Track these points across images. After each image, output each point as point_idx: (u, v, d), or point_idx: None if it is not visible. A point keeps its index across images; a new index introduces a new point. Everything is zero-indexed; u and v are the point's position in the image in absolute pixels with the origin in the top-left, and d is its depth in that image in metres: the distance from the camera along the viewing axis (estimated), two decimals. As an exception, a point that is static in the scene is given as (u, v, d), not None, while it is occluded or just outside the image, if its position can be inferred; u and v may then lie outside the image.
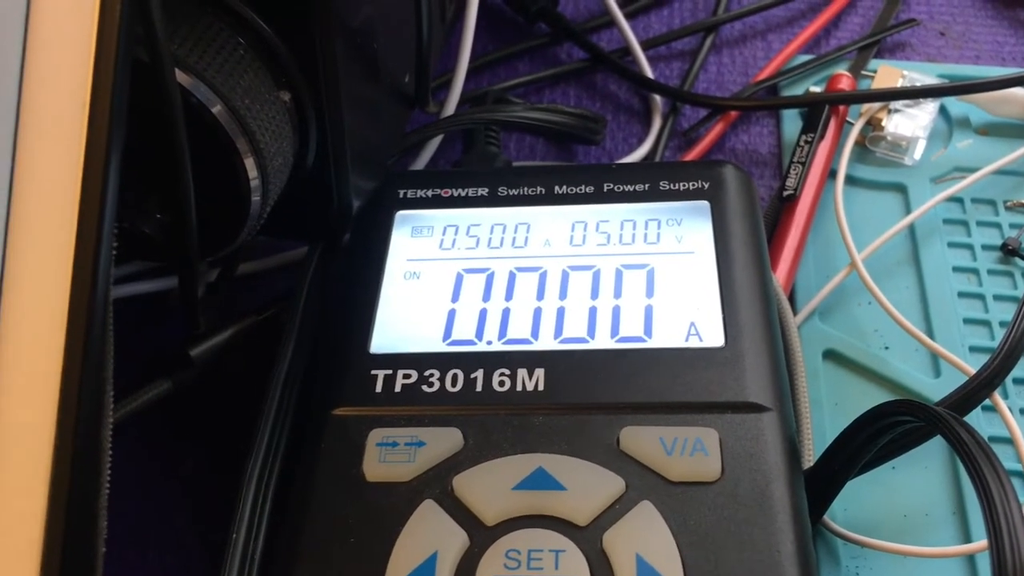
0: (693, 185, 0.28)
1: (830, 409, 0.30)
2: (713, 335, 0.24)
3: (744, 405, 0.23)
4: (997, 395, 0.27)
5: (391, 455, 0.22)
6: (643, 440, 0.22)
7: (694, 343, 0.24)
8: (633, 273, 0.26)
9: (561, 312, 0.25)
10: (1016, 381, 0.30)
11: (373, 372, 0.24)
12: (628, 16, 0.42)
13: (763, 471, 0.22)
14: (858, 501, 0.28)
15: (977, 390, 0.26)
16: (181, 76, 0.21)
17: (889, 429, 0.24)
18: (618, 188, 0.28)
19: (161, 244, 0.23)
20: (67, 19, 0.17)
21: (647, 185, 0.28)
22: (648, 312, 0.25)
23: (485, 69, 0.40)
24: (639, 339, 0.24)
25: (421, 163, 0.34)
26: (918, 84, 0.37)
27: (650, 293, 0.26)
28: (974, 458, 0.20)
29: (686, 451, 0.22)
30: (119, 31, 0.17)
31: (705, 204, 0.27)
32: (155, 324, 0.32)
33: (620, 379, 0.24)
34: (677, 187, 0.28)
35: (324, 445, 0.23)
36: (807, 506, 0.22)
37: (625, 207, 0.28)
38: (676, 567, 0.20)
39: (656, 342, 0.24)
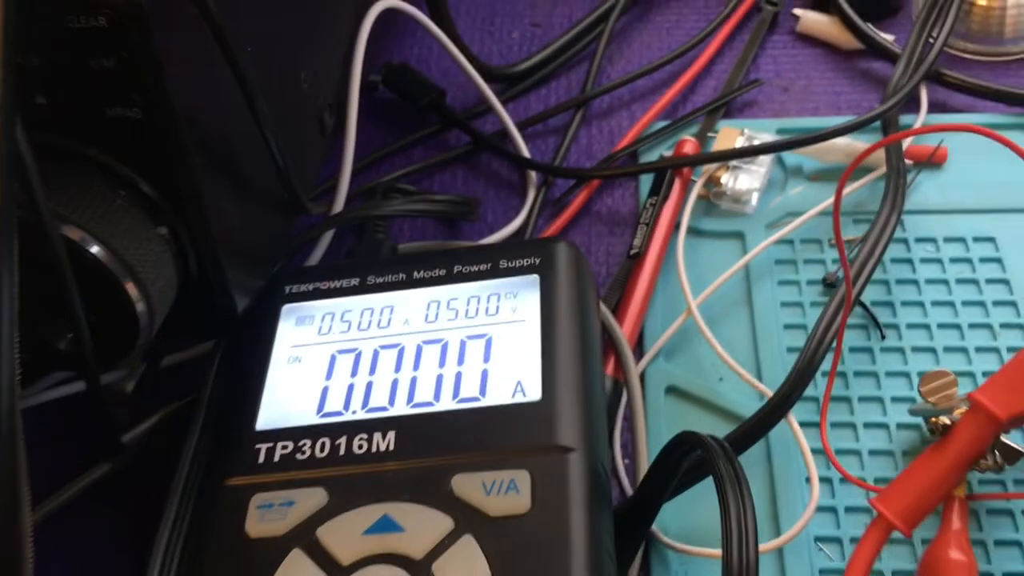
0: (527, 261, 0.33)
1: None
2: (533, 390, 0.29)
3: (553, 448, 0.28)
4: (792, 416, 0.32)
5: (268, 515, 0.28)
6: (469, 484, 0.27)
7: (519, 398, 0.29)
8: (475, 342, 0.31)
9: (414, 381, 0.31)
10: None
11: (257, 446, 0.29)
12: (509, 100, 0.47)
13: (566, 502, 0.27)
14: (688, 514, 0.33)
15: (767, 415, 0.31)
16: (67, 229, 0.26)
17: (684, 457, 0.29)
18: (465, 269, 0.33)
19: (75, 357, 0.29)
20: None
21: (489, 264, 0.33)
22: (484, 375, 0.30)
23: (384, 159, 0.45)
24: (475, 399, 0.30)
25: (316, 256, 0.39)
26: (756, 141, 0.42)
27: (487, 359, 0.31)
28: (721, 479, 0.25)
29: (502, 490, 0.27)
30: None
31: (535, 277, 0.32)
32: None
33: (456, 434, 0.29)
34: (513, 264, 0.33)
35: (217, 509, 0.28)
36: (610, 524, 0.27)
37: (471, 285, 0.33)
38: (487, 587, 0.25)
39: (489, 400, 0.29)
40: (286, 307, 0.33)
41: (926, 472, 0.26)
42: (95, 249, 0.27)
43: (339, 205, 0.39)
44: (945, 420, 0.27)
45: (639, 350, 0.37)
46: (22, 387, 0.27)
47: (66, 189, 0.27)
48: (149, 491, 0.34)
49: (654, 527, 0.32)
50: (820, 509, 0.32)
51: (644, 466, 0.33)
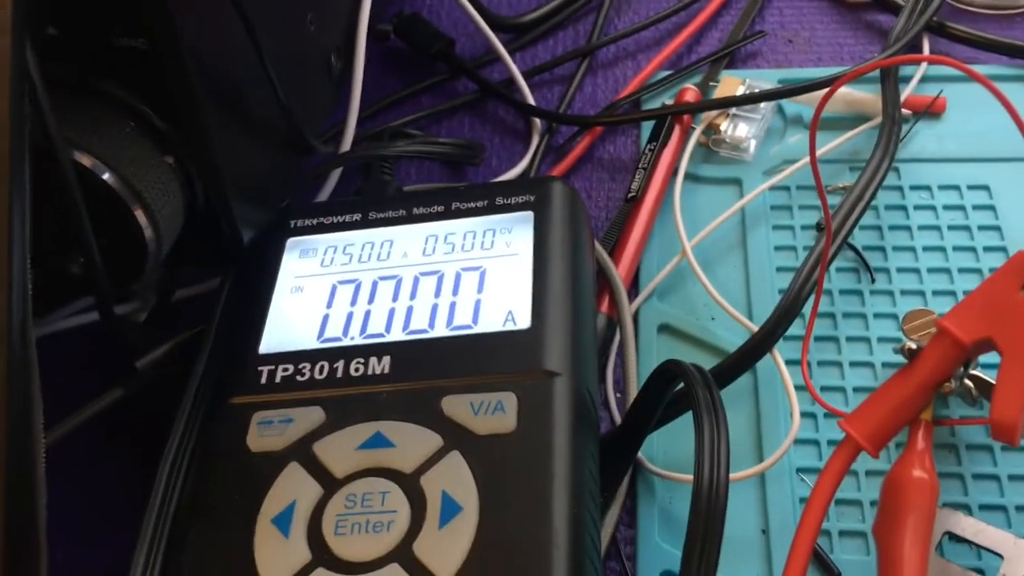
0: (522, 199, 0.34)
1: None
2: (523, 319, 0.30)
3: (540, 372, 0.29)
4: (777, 351, 0.33)
5: (268, 431, 0.29)
6: (458, 405, 0.28)
7: (509, 326, 0.30)
8: (469, 274, 0.32)
9: (410, 310, 0.32)
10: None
11: (260, 368, 0.31)
12: (517, 49, 0.48)
13: (549, 422, 0.28)
14: (676, 445, 0.34)
15: (752, 350, 0.32)
16: (80, 154, 0.28)
17: (668, 386, 0.30)
18: (463, 205, 0.34)
19: (87, 281, 0.30)
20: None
21: (486, 201, 0.34)
22: (477, 304, 0.31)
23: (393, 106, 0.47)
24: (468, 327, 0.31)
25: (323, 195, 0.40)
26: (757, 90, 0.42)
27: (480, 289, 0.32)
28: (698, 403, 0.26)
29: (490, 411, 0.28)
30: (12, 130, 0.24)
31: (529, 214, 0.33)
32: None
33: (448, 359, 0.30)
34: (509, 201, 0.34)
35: (221, 426, 0.30)
36: (595, 448, 0.29)
37: (468, 220, 0.34)
38: (472, 499, 0.26)
39: (480, 328, 0.31)
40: (291, 240, 0.35)
41: (893, 395, 0.27)
42: (106, 175, 0.28)
43: (346, 145, 0.40)
44: (912, 345, 0.28)
45: (634, 290, 0.38)
46: (40, 314, 0.29)
47: (76, 117, 0.28)
48: (160, 417, 0.36)
49: (641, 455, 0.33)
50: (803, 442, 0.33)
51: (632, 398, 0.34)
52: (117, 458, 0.36)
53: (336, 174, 0.41)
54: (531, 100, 0.45)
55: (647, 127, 0.44)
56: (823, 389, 0.34)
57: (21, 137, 0.24)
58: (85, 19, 0.28)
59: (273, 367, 0.31)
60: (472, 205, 0.34)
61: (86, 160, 0.28)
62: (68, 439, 0.33)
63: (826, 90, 0.40)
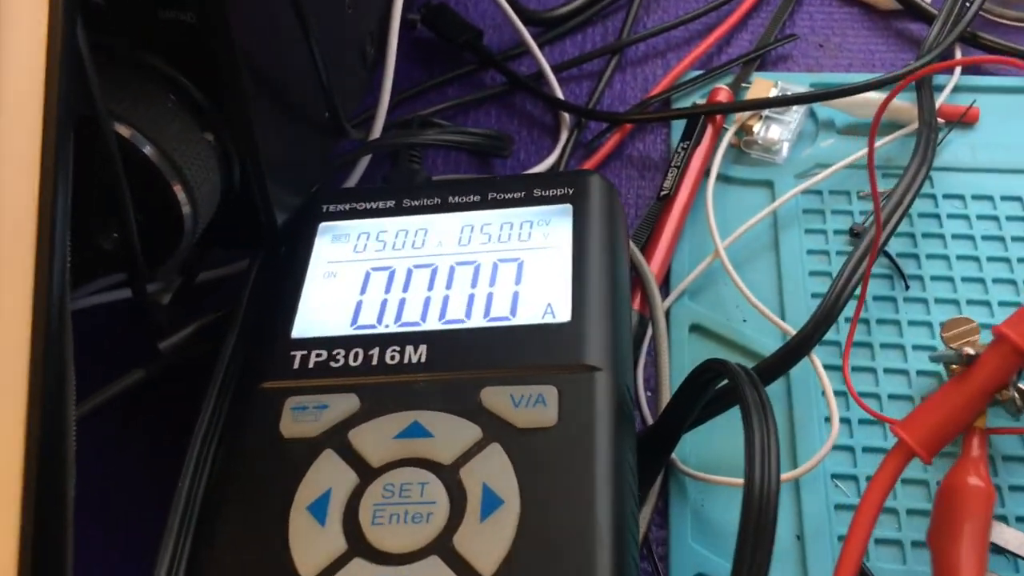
0: (561, 191, 0.34)
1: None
2: (563, 312, 0.30)
3: (580, 367, 0.28)
4: (815, 355, 0.33)
5: (302, 416, 0.28)
6: (497, 397, 0.28)
7: (548, 319, 0.30)
8: (506, 265, 0.32)
9: (446, 299, 0.31)
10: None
11: (292, 353, 0.30)
12: (545, 43, 0.47)
13: (591, 417, 0.27)
14: (708, 446, 0.33)
15: (791, 352, 0.32)
16: (120, 126, 0.27)
17: (708, 385, 0.29)
18: (500, 196, 0.34)
19: (120, 257, 0.30)
20: (19, 88, 0.23)
21: (523, 192, 0.34)
22: (515, 296, 0.31)
23: (420, 95, 0.46)
24: (505, 318, 0.30)
25: (353, 180, 0.40)
26: (789, 93, 0.42)
27: (518, 281, 0.31)
28: (747, 404, 0.26)
29: (530, 404, 0.28)
30: (61, 94, 0.23)
31: (568, 207, 0.33)
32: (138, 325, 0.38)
33: (486, 350, 0.29)
34: (547, 193, 0.34)
35: (252, 410, 0.29)
36: (633, 444, 0.28)
37: (505, 211, 0.33)
38: (514, 492, 0.26)
39: (519, 320, 0.30)
40: (323, 224, 0.34)
41: (948, 401, 0.27)
42: (147, 148, 0.27)
43: (376, 132, 0.39)
44: (970, 351, 0.27)
45: (664, 289, 0.38)
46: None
47: (119, 88, 0.28)
48: (182, 400, 0.35)
49: (673, 456, 0.33)
50: (837, 448, 0.33)
51: (666, 398, 0.34)
52: (135, 441, 0.36)
53: (364, 162, 0.40)
54: (560, 95, 0.44)
55: (677, 126, 0.43)
56: (858, 395, 0.34)
57: (68, 109, 0.23)
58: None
59: (306, 352, 0.30)
60: (509, 196, 0.34)
61: (127, 132, 0.27)
62: (87, 421, 0.32)
63: (870, 93, 0.40)
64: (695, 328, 0.37)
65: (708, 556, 0.31)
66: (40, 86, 0.23)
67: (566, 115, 0.44)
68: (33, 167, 0.23)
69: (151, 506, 0.33)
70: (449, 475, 0.27)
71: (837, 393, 0.33)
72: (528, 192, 0.34)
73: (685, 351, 0.36)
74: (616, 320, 0.30)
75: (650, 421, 0.34)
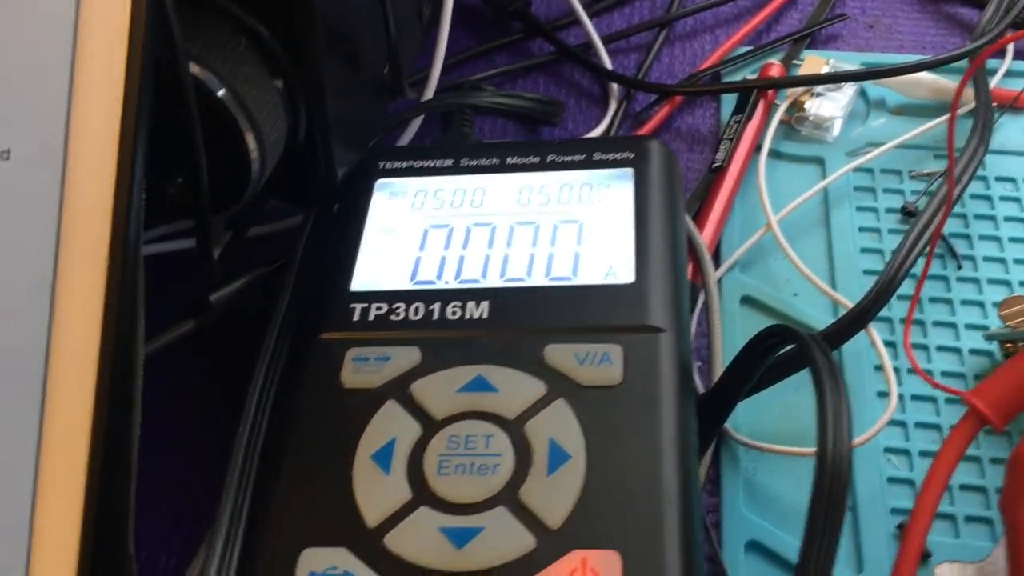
0: (621, 156, 0.33)
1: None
2: (626, 274, 0.30)
3: (645, 327, 0.28)
4: (872, 328, 0.33)
5: (363, 367, 0.28)
6: (561, 353, 0.28)
7: (611, 280, 0.30)
8: (567, 226, 0.32)
9: (507, 257, 0.31)
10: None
11: (352, 305, 0.30)
12: (593, 15, 0.47)
13: (655, 377, 0.27)
14: (761, 415, 0.33)
15: (851, 323, 0.32)
16: (194, 67, 0.27)
17: (770, 351, 0.29)
18: (559, 159, 0.34)
19: (184, 203, 0.29)
20: (105, 30, 0.23)
21: (583, 156, 0.34)
22: (576, 257, 0.31)
23: (467, 62, 0.46)
24: (567, 278, 0.30)
25: (405, 140, 0.40)
26: (840, 71, 0.42)
27: (579, 242, 0.31)
28: (819, 369, 0.25)
29: (595, 361, 0.27)
30: (145, 34, 0.23)
31: (630, 171, 0.33)
32: (185, 278, 0.38)
33: (549, 308, 0.29)
34: (607, 157, 0.33)
35: (311, 361, 0.29)
36: (694, 408, 0.28)
37: (564, 174, 0.33)
38: (580, 447, 0.26)
39: (580, 280, 0.30)
40: (380, 181, 0.34)
41: (1019, 370, 0.26)
42: (221, 92, 0.27)
43: (429, 93, 0.39)
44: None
45: (715, 261, 0.38)
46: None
47: (191, 30, 0.27)
48: (232, 353, 0.35)
49: (726, 425, 0.33)
50: (891, 423, 0.33)
51: (718, 368, 0.34)
52: (186, 393, 0.35)
53: (416, 123, 0.40)
54: (609, 66, 0.44)
55: (726, 101, 0.43)
56: (910, 372, 0.34)
57: (150, 50, 0.23)
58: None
59: (366, 305, 0.30)
60: (568, 159, 0.34)
61: (202, 74, 0.27)
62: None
63: (923, 73, 0.40)
64: (746, 300, 0.37)
65: (760, 523, 0.31)
66: (126, 23, 0.23)
67: (614, 86, 0.44)
68: (115, 108, 0.23)
69: (202, 462, 0.33)
70: (514, 429, 0.26)
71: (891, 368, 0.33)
72: (588, 155, 0.34)
73: (737, 323, 0.36)
74: (678, 284, 0.30)
75: (701, 391, 0.34)
